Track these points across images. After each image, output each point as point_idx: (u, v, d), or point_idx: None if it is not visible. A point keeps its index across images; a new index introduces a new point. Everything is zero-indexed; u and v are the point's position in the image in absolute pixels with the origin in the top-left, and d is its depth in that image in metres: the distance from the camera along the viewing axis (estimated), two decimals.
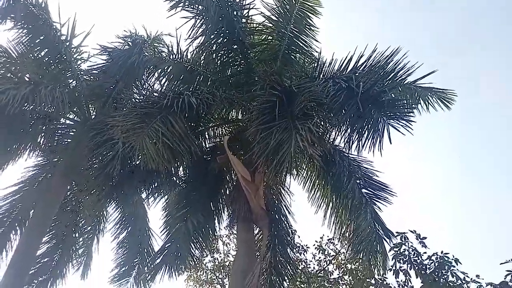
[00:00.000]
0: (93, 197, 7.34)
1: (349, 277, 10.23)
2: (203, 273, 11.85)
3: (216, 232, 8.09)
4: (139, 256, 8.44)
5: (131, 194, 8.01)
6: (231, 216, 7.74)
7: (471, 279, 7.48)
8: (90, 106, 8.50)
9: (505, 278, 7.41)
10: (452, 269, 7.74)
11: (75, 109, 8.37)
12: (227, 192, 7.91)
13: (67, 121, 8.61)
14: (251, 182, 6.61)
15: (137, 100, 7.62)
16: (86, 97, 8.31)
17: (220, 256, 11.81)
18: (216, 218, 7.82)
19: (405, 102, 6.09)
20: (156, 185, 7.84)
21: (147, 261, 8.30)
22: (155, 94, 6.87)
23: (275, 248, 7.73)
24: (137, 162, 6.64)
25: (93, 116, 8.43)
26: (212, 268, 11.73)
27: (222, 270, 11.46)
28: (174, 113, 5.59)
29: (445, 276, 7.78)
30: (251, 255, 6.69)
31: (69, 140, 8.47)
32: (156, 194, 8.02)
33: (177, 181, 8.21)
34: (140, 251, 8.47)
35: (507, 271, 7.33)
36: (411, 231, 8.33)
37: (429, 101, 7.37)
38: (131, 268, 8.29)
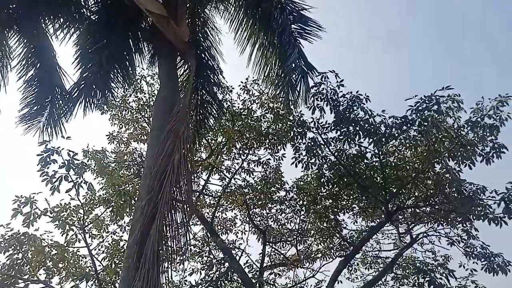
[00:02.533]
0: None
1: (270, 114, 10.92)
2: (128, 112, 11.78)
3: (136, 68, 7.68)
4: (50, 96, 7.87)
5: (34, 24, 7.03)
6: (151, 52, 7.29)
7: (377, 113, 8.44)
8: None
9: (406, 113, 8.45)
10: (362, 106, 8.59)
11: None
12: (145, 26, 7.24)
13: None
14: (165, 17, 6.04)
15: None
16: None
17: (145, 96, 11.63)
18: (137, 53, 7.31)
19: None
20: (64, 17, 6.89)
21: (61, 101, 7.81)
22: None
23: (200, 86, 7.69)
24: None
25: None
26: (137, 108, 11.65)
27: (148, 110, 11.44)
28: None
29: (356, 112, 8.65)
30: (175, 93, 6.59)
31: None
32: (66, 28, 7.11)
33: (88, 14, 7.26)
34: (52, 91, 7.86)
35: (409, 105, 8.31)
36: (331, 71, 8.75)
37: None
38: (43, 107, 7.78)
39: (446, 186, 9.15)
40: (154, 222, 4.75)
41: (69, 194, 8.71)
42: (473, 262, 9.55)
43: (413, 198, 10.31)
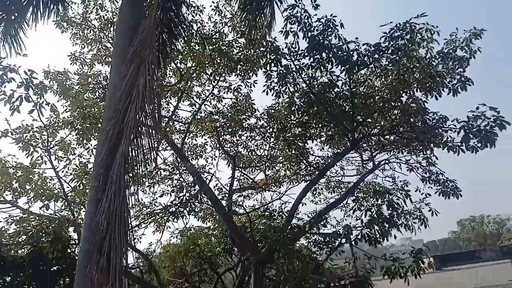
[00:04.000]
0: None
1: (242, 39, 10.50)
2: (90, 31, 10.99)
3: None
4: (4, 10, 7.13)
5: None
6: None
7: (351, 40, 8.28)
8: None
9: (380, 39, 8.34)
10: (337, 32, 8.37)
11: None
12: None
13: None
14: None
15: None
16: None
17: (107, 14, 10.80)
18: None
19: None
20: None
21: (16, 13, 7.10)
22: None
23: (168, 4, 7.16)
24: None
25: None
26: (99, 26, 10.86)
27: (112, 29, 10.70)
28: None
29: (329, 38, 8.45)
30: (140, 7, 6.12)
31: None
32: None
33: None
34: (4, 5, 7.11)
35: (383, 33, 8.19)
36: None
37: None
38: None
39: (412, 116, 9.44)
40: (120, 146, 4.69)
41: (31, 116, 8.39)
42: (428, 187, 10.27)
43: (379, 127, 10.65)
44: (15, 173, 8.87)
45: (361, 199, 10.02)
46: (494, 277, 15.08)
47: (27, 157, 9.11)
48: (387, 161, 11.46)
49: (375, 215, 8.57)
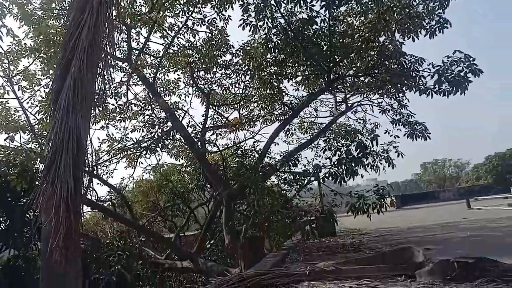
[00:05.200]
0: None
1: None
2: None
3: None
4: None
5: None
6: None
7: None
8: None
9: None
10: None
11: None
12: None
13: None
14: None
15: None
16: None
17: None
18: None
19: None
20: None
21: None
22: None
23: None
24: None
25: None
26: None
27: None
28: None
29: None
30: None
31: None
32: None
33: None
34: None
35: None
36: None
37: None
38: None
39: (388, 58, 9.39)
40: (69, 68, 4.41)
41: None
42: (398, 129, 10.52)
43: (355, 68, 10.59)
44: None
45: (332, 140, 10.23)
46: (450, 216, 16.27)
47: None
48: (359, 103, 11.59)
49: (344, 155, 8.80)
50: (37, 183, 8.01)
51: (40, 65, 9.22)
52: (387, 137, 10.08)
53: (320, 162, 9.89)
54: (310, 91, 11.97)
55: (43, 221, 4.10)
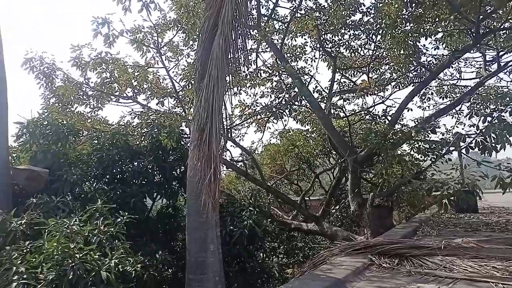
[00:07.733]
0: None
1: None
2: None
3: None
4: None
5: None
6: None
7: None
8: None
9: None
10: None
11: None
12: None
13: None
14: None
15: None
16: None
17: None
18: None
19: None
20: None
21: None
22: None
23: None
24: None
25: None
26: None
27: None
28: None
29: None
30: None
31: None
32: None
33: None
34: None
35: None
36: None
37: None
38: None
39: None
40: (214, 38, 4.72)
41: (141, 15, 8.86)
42: None
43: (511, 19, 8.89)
44: (133, 72, 9.81)
45: (479, 105, 8.96)
46: None
47: (141, 58, 9.94)
48: None
49: (495, 121, 7.61)
50: (182, 142, 9.10)
51: (182, 36, 10.20)
52: None
53: (463, 129, 8.80)
54: (453, 49, 10.56)
55: (191, 175, 4.70)
